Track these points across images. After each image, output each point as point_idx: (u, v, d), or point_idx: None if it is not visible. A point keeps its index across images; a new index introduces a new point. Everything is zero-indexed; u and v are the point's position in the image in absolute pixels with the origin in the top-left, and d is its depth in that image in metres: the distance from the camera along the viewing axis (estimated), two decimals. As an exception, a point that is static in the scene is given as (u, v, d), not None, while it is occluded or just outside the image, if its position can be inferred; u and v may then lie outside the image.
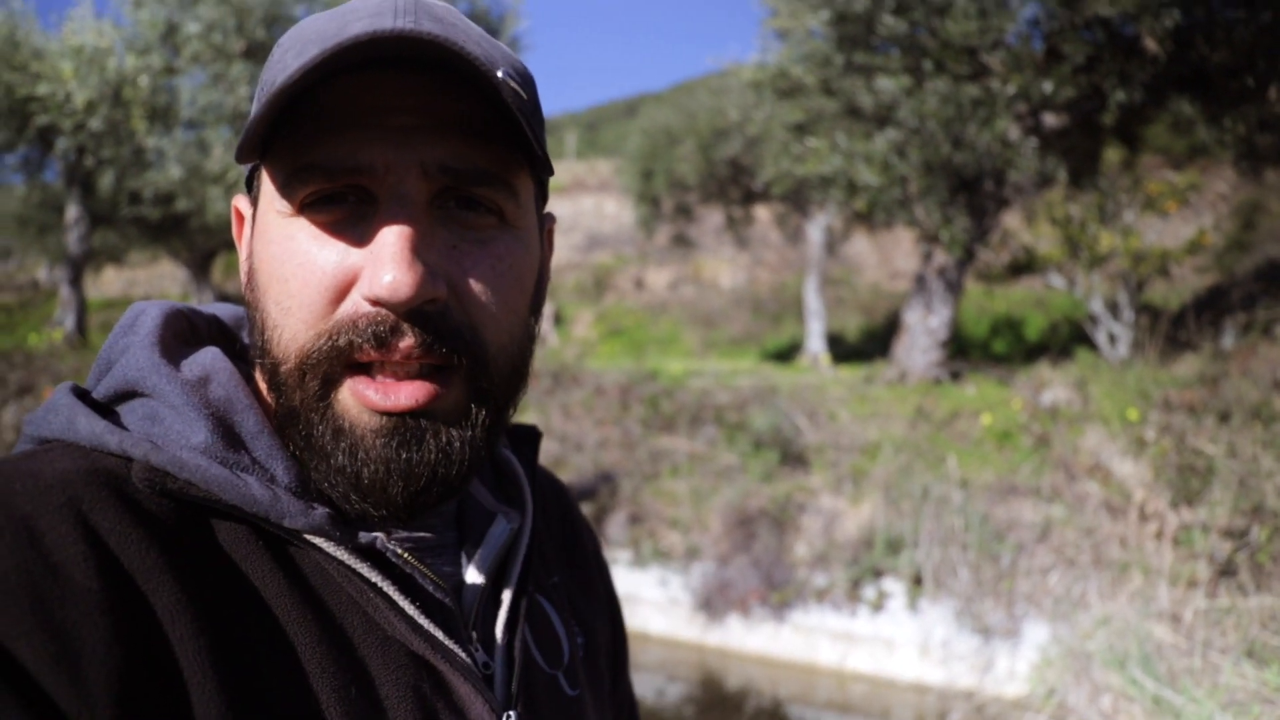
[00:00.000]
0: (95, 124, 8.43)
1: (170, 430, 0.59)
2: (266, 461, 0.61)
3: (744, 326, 15.56)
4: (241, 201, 0.69)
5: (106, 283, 20.40)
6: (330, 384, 0.59)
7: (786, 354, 13.19)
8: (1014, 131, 6.85)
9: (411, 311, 0.57)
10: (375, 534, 0.61)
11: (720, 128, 11.75)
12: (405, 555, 0.62)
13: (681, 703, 6.24)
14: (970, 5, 6.34)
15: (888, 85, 6.79)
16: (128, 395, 0.62)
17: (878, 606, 6.06)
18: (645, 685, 6.48)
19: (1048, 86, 6.41)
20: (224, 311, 0.75)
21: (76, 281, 10.40)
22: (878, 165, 6.99)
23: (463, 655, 0.63)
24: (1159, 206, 10.04)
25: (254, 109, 0.60)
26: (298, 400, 0.60)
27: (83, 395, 0.63)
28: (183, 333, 0.67)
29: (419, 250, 0.57)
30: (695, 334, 15.35)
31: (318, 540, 0.59)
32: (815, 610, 6.24)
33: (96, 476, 0.55)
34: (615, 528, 7.13)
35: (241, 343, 0.73)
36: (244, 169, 0.68)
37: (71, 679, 0.47)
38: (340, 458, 0.59)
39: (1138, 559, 5.31)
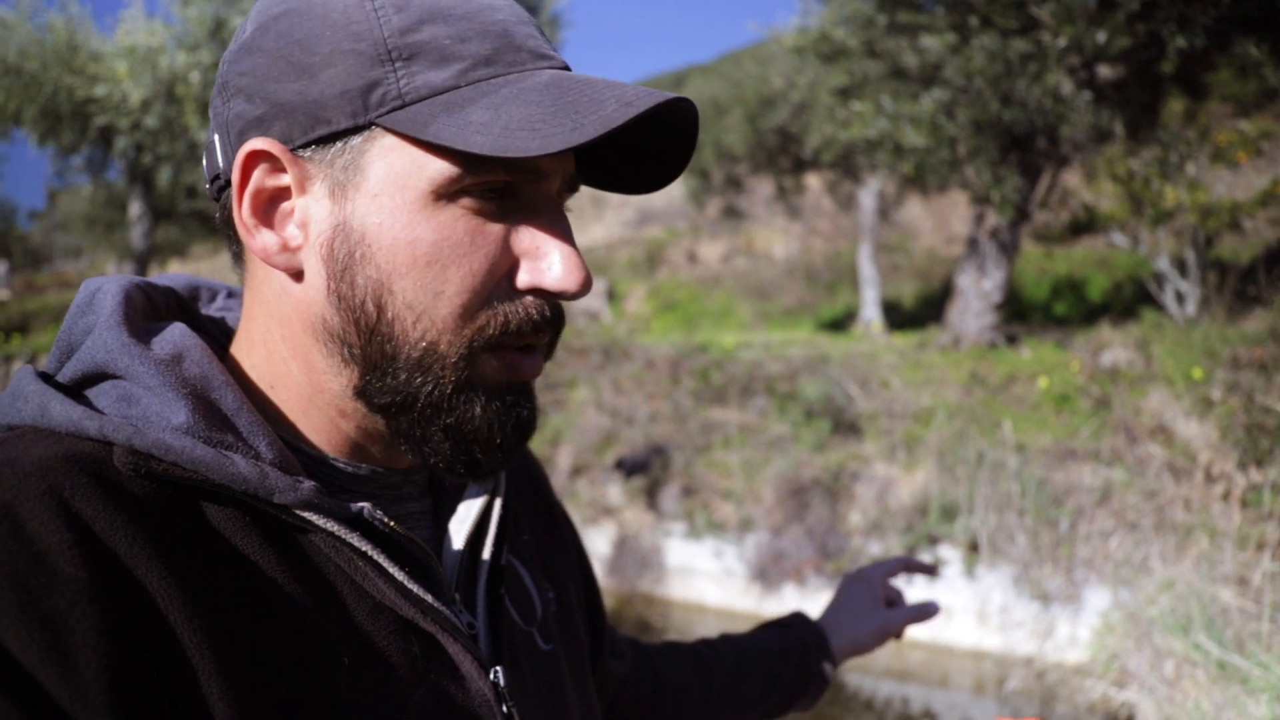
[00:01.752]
0: (151, 121, 8.66)
1: (149, 412, 0.58)
2: (250, 438, 0.60)
3: (798, 297, 15.39)
4: (278, 150, 0.61)
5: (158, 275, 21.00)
6: (475, 362, 0.63)
7: (842, 323, 13.04)
8: (1066, 85, 6.62)
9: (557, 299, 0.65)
10: (362, 504, 0.62)
11: (767, 96, 11.60)
12: (390, 523, 0.62)
13: (738, 673, 6.27)
14: (1017, -44, 6.13)
15: (932, 44, 6.61)
16: (97, 378, 0.61)
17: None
18: (702, 656, 6.52)
19: (1101, 37, 6.17)
20: (177, 283, 0.74)
21: (143, 276, 10.76)
22: (925, 126, 6.82)
23: (451, 616, 0.64)
24: (1229, 157, 9.62)
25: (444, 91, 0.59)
26: (436, 383, 0.62)
27: (47, 379, 0.61)
28: (143, 308, 0.66)
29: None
30: (749, 306, 15.25)
31: (306, 513, 0.59)
32: (870, 579, 6.20)
33: (76, 462, 0.54)
34: (669, 500, 7.17)
35: (199, 314, 0.73)
36: (271, 112, 0.61)
37: (62, 668, 0.47)
38: (485, 427, 0.63)
39: (1203, 521, 5.16)
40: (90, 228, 15.16)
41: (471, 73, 0.60)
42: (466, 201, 0.60)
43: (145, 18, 8.86)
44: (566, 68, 0.65)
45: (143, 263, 10.80)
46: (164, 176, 9.51)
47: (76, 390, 0.61)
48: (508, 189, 0.62)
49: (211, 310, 0.75)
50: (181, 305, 0.72)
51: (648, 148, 0.68)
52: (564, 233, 0.63)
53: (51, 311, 15.66)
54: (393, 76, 0.59)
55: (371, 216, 0.60)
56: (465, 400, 0.62)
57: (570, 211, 0.70)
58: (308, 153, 0.61)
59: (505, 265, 0.62)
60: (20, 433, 0.57)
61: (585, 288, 0.63)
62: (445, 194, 0.60)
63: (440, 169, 0.59)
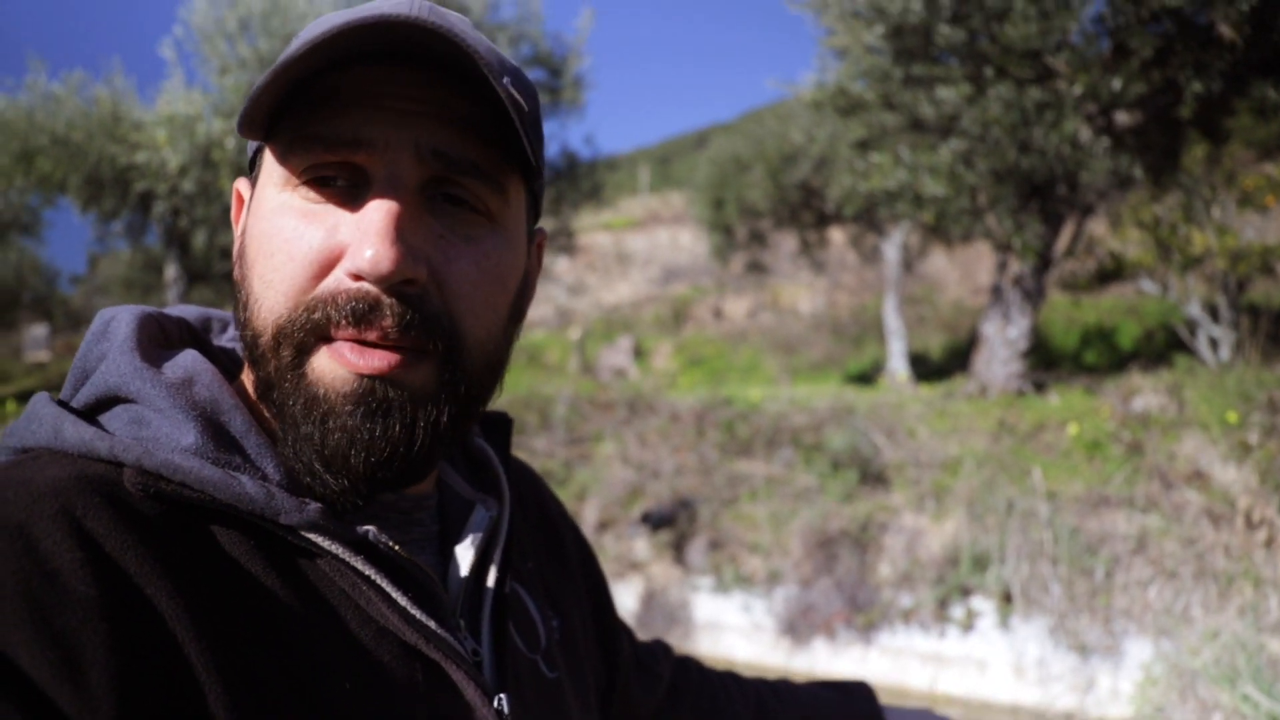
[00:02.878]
0: (188, 186, 8.95)
1: (159, 433, 0.59)
2: (258, 459, 0.61)
3: (825, 351, 15.35)
4: (243, 184, 0.71)
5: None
6: (304, 353, 0.60)
7: (869, 376, 12.96)
8: (1084, 133, 6.65)
9: (392, 291, 0.59)
10: (368, 528, 0.62)
11: (788, 152, 11.74)
12: (396, 547, 0.63)
13: (768, 730, 6.12)
14: (1030, 7, 6.21)
15: (949, 95, 6.69)
16: (110, 402, 0.62)
17: (967, 626, 5.86)
18: (731, 713, 6.37)
19: (1117, 84, 6.21)
20: (190, 313, 0.76)
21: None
22: (944, 176, 6.86)
23: (454, 643, 0.64)
24: (1257, 201, 9.56)
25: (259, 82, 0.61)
26: (272, 369, 0.61)
27: (62, 404, 0.63)
28: (156, 336, 0.68)
29: (404, 230, 0.59)
30: (776, 361, 15.21)
31: (312, 535, 0.60)
32: (902, 631, 6.06)
33: (88, 482, 0.54)
34: (696, 554, 7.09)
35: (211, 344, 0.75)
36: (249, 153, 0.70)
37: (74, 686, 0.47)
38: (308, 426, 0.60)
39: (1246, 569, 5.02)
40: (129, 290, 15.60)
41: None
42: (303, 191, 0.61)
43: (185, 87, 9.21)
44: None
45: (178, 324, 11.02)
46: (199, 239, 9.78)
47: (90, 414, 0.62)
48: (355, 172, 0.61)
49: (223, 341, 0.76)
50: (194, 335, 0.74)
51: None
52: (382, 209, 0.59)
53: (90, 374, 15.98)
54: None
55: (248, 220, 0.65)
56: (293, 395, 0.61)
57: (491, 210, 0.64)
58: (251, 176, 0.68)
59: (333, 250, 0.60)
60: (35, 455, 0.58)
61: (384, 273, 0.57)
62: (285, 187, 0.62)
63: (273, 159, 0.62)
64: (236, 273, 0.65)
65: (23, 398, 12.88)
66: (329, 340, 0.60)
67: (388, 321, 0.59)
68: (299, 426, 0.60)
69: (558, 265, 16.58)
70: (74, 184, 9.93)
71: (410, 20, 0.56)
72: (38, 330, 18.95)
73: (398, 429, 0.60)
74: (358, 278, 0.59)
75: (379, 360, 0.59)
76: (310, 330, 0.60)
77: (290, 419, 0.61)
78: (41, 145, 9.61)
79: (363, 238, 0.58)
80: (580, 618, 0.91)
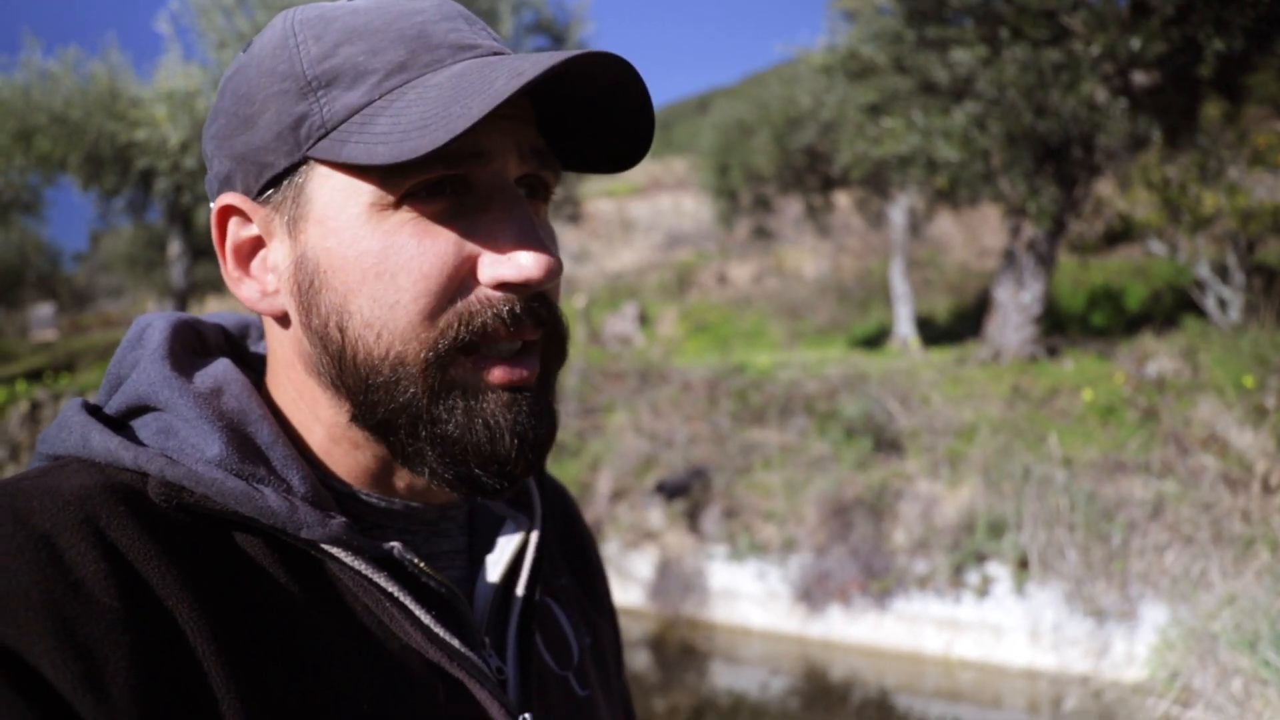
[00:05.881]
0: (189, 162, 8.90)
1: (185, 444, 0.59)
2: (283, 472, 0.61)
3: (830, 315, 15.30)
4: (242, 201, 0.63)
5: (210, 313, 21.37)
6: (449, 369, 0.60)
7: (875, 340, 12.94)
8: (1101, 94, 6.55)
9: (533, 292, 0.61)
10: (392, 543, 0.62)
11: (794, 116, 11.61)
12: (420, 564, 0.62)
13: (786, 695, 6.19)
14: (1045, -34, 6.11)
15: (963, 57, 6.59)
16: (140, 410, 0.62)
17: (982, 592, 5.89)
18: (749, 679, 6.45)
19: (1135, 43, 6.11)
20: (229, 320, 0.75)
21: (183, 312, 10.98)
22: (957, 140, 6.78)
23: (478, 661, 0.64)
24: (1269, 160, 9.47)
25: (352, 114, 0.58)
26: (411, 395, 0.59)
27: (94, 411, 0.63)
28: (191, 344, 0.67)
29: (540, 232, 0.61)
30: (781, 326, 15.18)
31: (335, 550, 0.59)
32: (918, 598, 6.11)
33: (113, 492, 0.55)
34: (710, 523, 7.12)
35: (249, 351, 0.74)
36: (232, 167, 0.63)
37: (96, 696, 0.47)
38: (474, 436, 0.60)
39: (1264, 533, 5.03)
40: (132, 268, 15.56)
41: (384, 84, 0.59)
42: (411, 205, 0.59)
43: (182, 62, 9.11)
44: (500, 53, 0.62)
45: (182, 300, 11.00)
46: (202, 216, 9.74)
47: (122, 422, 0.62)
48: (458, 182, 0.60)
49: (261, 348, 0.75)
50: (231, 342, 0.73)
51: (610, 121, 0.65)
52: (519, 218, 0.60)
53: (96, 350, 16.02)
54: (316, 106, 0.59)
55: (322, 243, 0.60)
56: (445, 409, 0.60)
57: (551, 196, 0.67)
58: (264, 198, 0.62)
59: (464, 262, 0.59)
60: (64, 463, 0.59)
61: (548, 274, 0.59)
62: (385, 204, 0.59)
63: (370, 183, 0.59)
64: (303, 299, 0.61)
65: (31, 377, 12.89)
66: (472, 353, 0.61)
67: (531, 323, 0.61)
68: (457, 444, 0.61)
69: (563, 234, 16.50)
70: (74, 162, 9.86)
71: (606, 60, 0.58)
72: (43, 309, 18.95)
73: (548, 421, 0.63)
74: (502, 286, 0.59)
75: (528, 371, 0.62)
76: (461, 347, 0.60)
77: (441, 439, 0.60)
78: (40, 123, 9.53)
79: (507, 246, 0.59)
80: (607, 636, 0.90)
